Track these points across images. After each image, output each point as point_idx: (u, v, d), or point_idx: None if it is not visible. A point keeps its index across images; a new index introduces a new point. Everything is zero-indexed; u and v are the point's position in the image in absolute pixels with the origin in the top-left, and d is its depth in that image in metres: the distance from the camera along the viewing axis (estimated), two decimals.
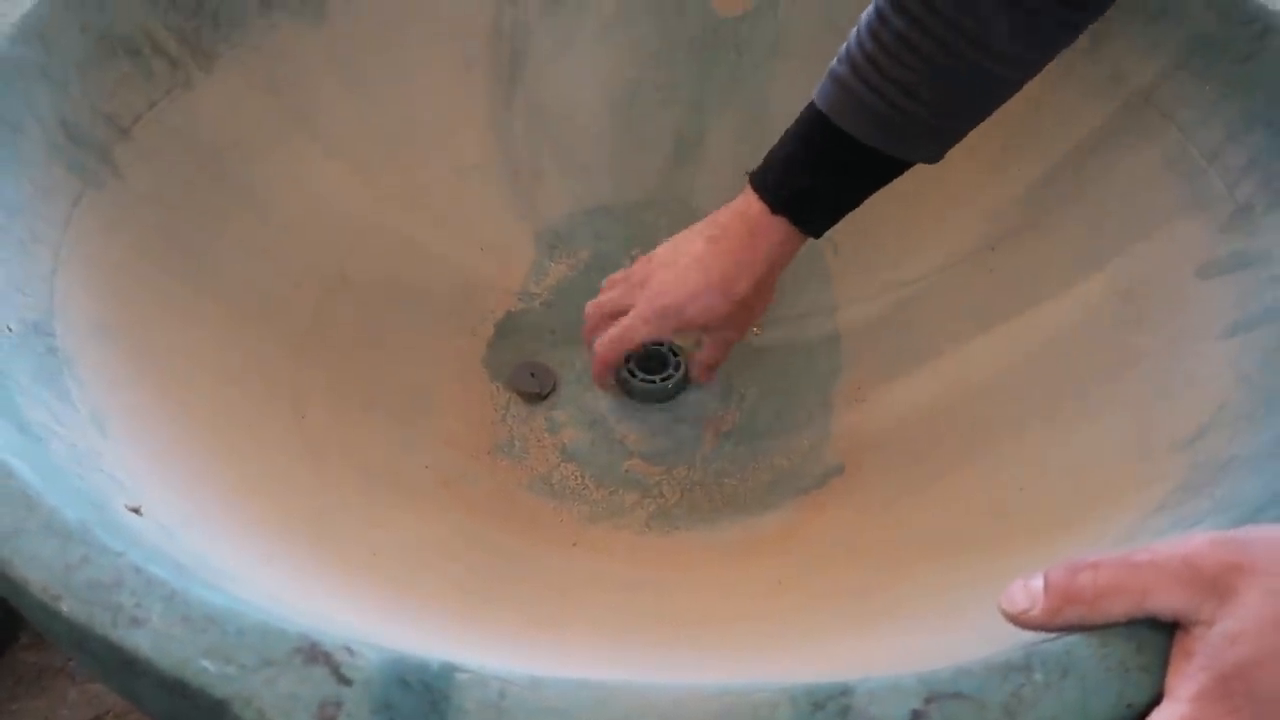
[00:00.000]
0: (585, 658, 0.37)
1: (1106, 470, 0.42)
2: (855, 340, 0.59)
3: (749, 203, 0.50)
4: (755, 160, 0.64)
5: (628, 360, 0.57)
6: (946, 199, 0.58)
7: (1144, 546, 0.26)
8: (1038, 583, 0.27)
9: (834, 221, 0.50)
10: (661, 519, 0.52)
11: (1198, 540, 0.25)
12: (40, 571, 0.26)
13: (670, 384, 0.57)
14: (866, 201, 0.50)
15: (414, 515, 0.47)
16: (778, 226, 0.49)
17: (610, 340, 0.52)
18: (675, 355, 0.58)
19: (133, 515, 0.31)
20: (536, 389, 0.57)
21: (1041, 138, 0.55)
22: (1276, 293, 0.41)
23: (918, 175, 0.49)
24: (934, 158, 0.48)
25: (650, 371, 0.57)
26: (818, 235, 0.51)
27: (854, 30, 0.46)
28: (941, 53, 0.43)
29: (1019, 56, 0.44)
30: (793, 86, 0.63)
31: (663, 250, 0.53)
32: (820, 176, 0.48)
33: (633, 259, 0.63)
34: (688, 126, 0.64)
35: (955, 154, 0.49)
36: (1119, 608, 0.25)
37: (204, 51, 0.52)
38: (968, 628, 0.35)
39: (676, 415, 0.57)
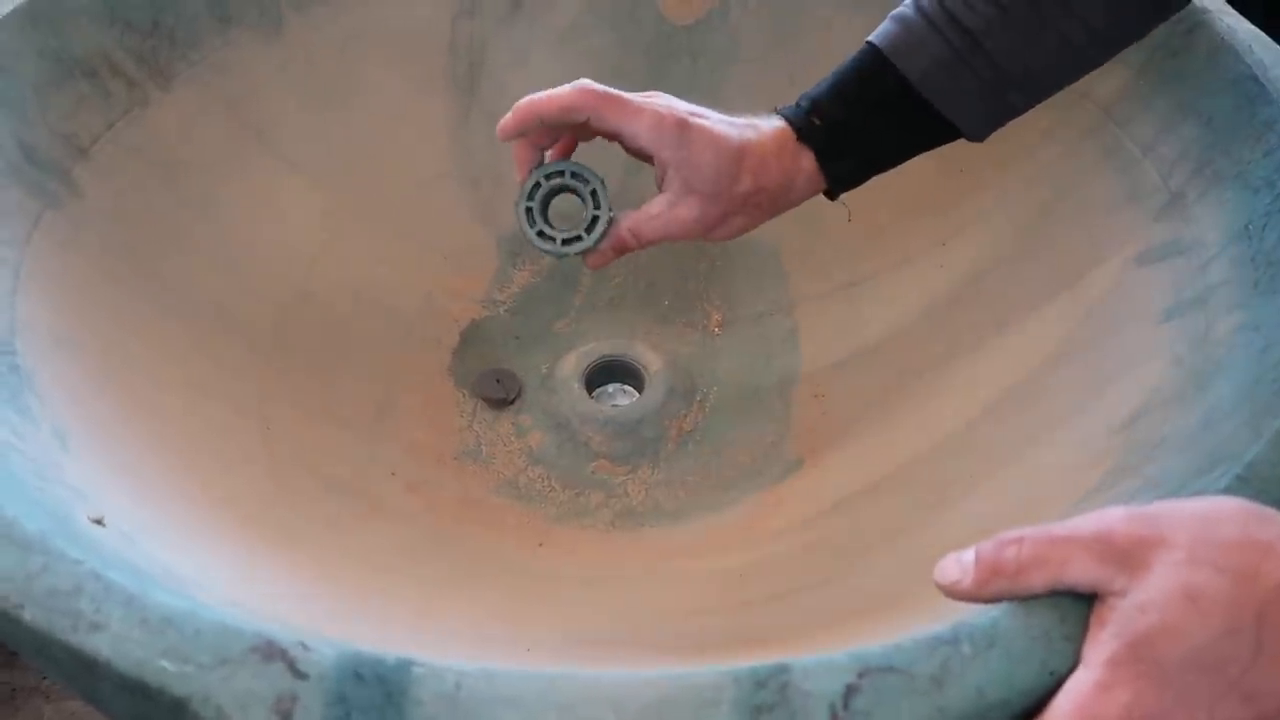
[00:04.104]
0: (547, 653, 0.38)
1: (1050, 456, 0.43)
2: (812, 338, 0.60)
3: (771, 120, 0.43)
4: None
5: (545, 207, 0.45)
6: (899, 199, 0.59)
7: (1065, 521, 0.27)
8: (969, 556, 0.28)
9: (855, 174, 0.44)
10: (626, 518, 0.53)
11: (1113, 515, 0.27)
12: (1, 582, 0.27)
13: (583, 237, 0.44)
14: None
15: (380, 522, 0.48)
16: (794, 153, 0.43)
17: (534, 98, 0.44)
18: (595, 202, 0.45)
19: (94, 526, 0.32)
20: (502, 395, 0.58)
21: (993, 141, 0.56)
22: (1208, 278, 0.43)
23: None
24: (978, 129, 0.43)
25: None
26: (835, 184, 0.44)
27: None
28: (1027, 10, 0.40)
29: (1101, 29, 0.41)
30: (747, 92, 0.64)
31: None
32: (854, 113, 0.42)
33: None
34: None
35: None
36: (1039, 580, 0.26)
37: (161, 71, 0.53)
38: (916, 612, 0.36)
39: (641, 417, 0.58)
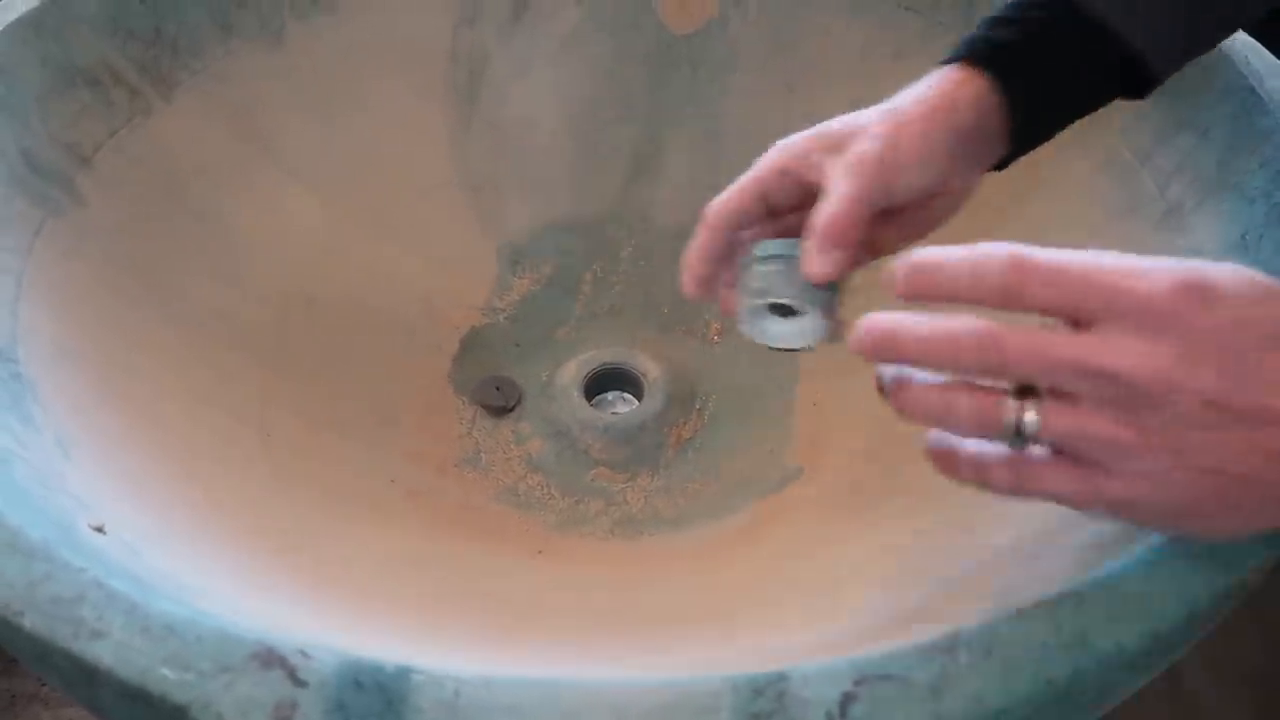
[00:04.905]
0: (546, 660, 0.38)
1: None
2: None
3: (936, 71, 0.37)
4: (712, 172, 0.65)
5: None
6: None
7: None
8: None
9: (1040, 124, 0.39)
10: (625, 525, 0.53)
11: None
12: (3, 589, 0.27)
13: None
14: None
15: (380, 529, 0.48)
16: (977, 84, 0.36)
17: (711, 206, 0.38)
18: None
19: (96, 534, 0.32)
20: (502, 402, 0.58)
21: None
22: None
23: None
24: (1153, 73, 0.38)
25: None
26: (1019, 138, 0.38)
27: None
28: None
29: None
30: (746, 101, 0.65)
31: None
32: (1025, 34, 0.36)
33: (594, 272, 0.65)
34: (644, 142, 0.65)
35: None
36: None
37: (164, 80, 0.53)
38: (916, 620, 0.36)
39: (640, 424, 0.58)
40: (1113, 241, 0.49)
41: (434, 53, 0.63)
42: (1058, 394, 0.26)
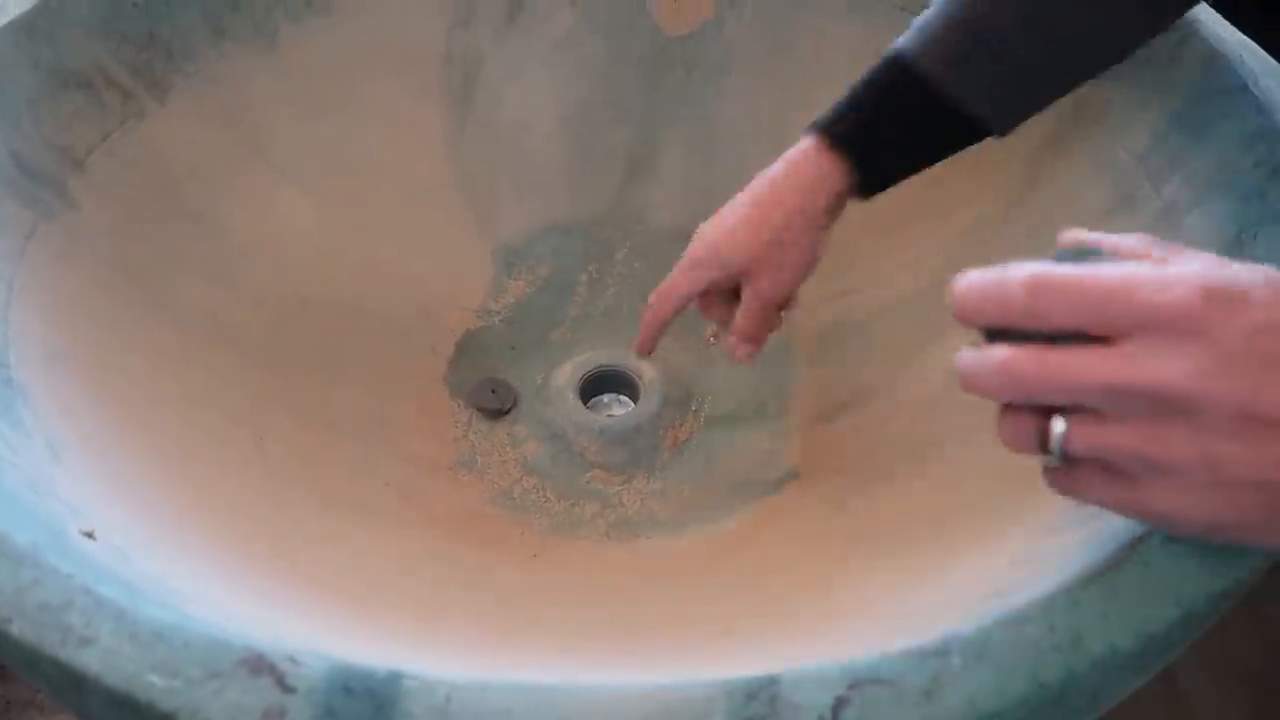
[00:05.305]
0: (540, 664, 0.37)
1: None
2: (809, 348, 0.60)
3: (798, 145, 0.47)
4: (706, 173, 0.65)
5: None
6: (896, 209, 0.59)
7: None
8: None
9: (890, 172, 0.46)
10: (621, 528, 0.53)
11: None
12: None
13: None
14: None
15: (374, 533, 0.48)
16: (823, 162, 0.46)
17: (655, 295, 0.50)
18: None
19: (86, 539, 0.32)
20: (497, 405, 0.58)
21: (984, 152, 0.57)
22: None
23: None
24: (1003, 122, 0.45)
25: None
26: (871, 184, 0.46)
27: None
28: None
29: (1108, 23, 0.42)
30: (740, 103, 0.64)
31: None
32: (881, 114, 0.45)
33: (589, 274, 0.65)
34: (639, 144, 0.65)
35: None
36: None
37: (157, 82, 0.53)
38: (911, 624, 0.36)
39: (636, 427, 0.58)
40: None
41: (428, 55, 0.63)
42: (1083, 410, 0.27)
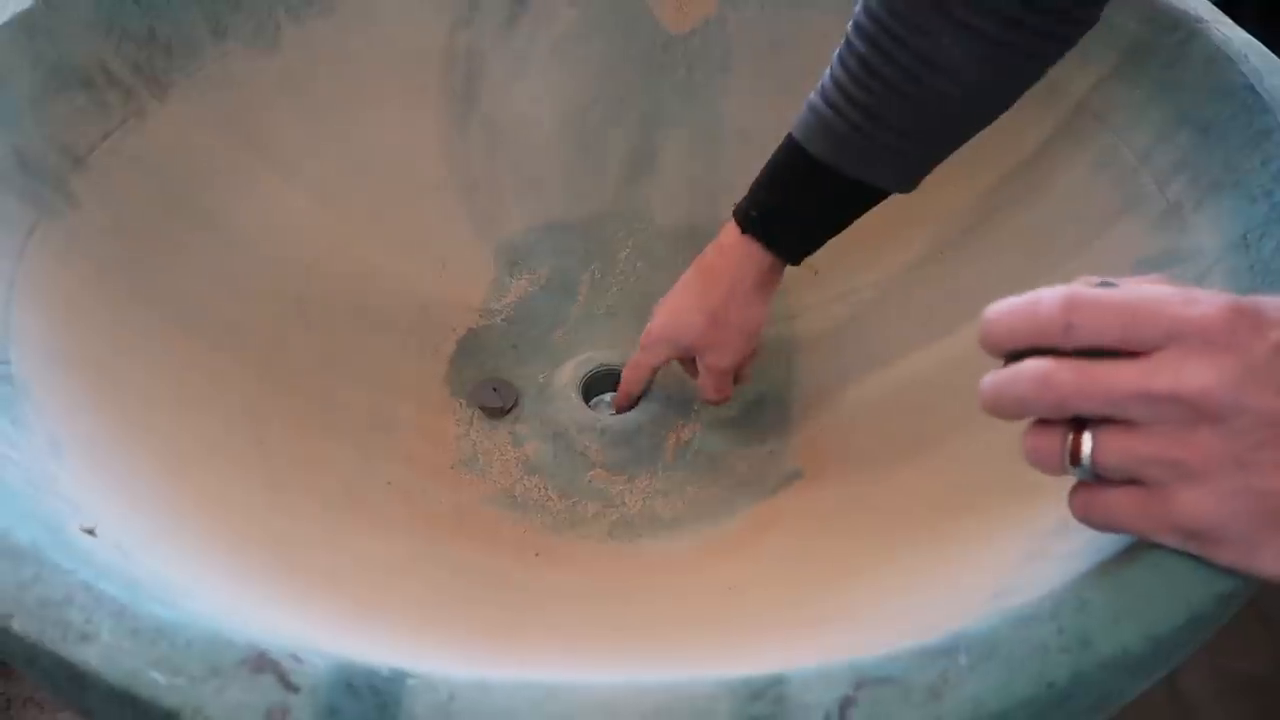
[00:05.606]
0: (542, 664, 0.37)
1: None
2: (811, 348, 0.60)
3: (725, 230, 0.52)
4: (709, 171, 0.65)
5: None
6: (897, 210, 0.59)
7: None
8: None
9: (807, 245, 0.52)
10: (623, 528, 0.53)
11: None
12: None
13: None
14: None
15: (375, 533, 0.48)
16: (743, 245, 0.51)
17: (626, 369, 0.57)
18: None
19: (87, 536, 0.32)
20: (499, 404, 0.58)
21: (989, 151, 0.57)
22: (1205, 287, 0.43)
23: None
24: (904, 185, 0.49)
25: None
26: (792, 259, 0.52)
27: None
28: (899, 76, 0.44)
29: (977, 83, 0.44)
30: (742, 102, 0.64)
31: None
32: (788, 198, 0.50)
33: (592, 274, 0.64)
34: (641, 142, 0.65)
35: None
36: None
37: (158, 81, 0.53)
38: (915, 624, 0.36)
39: (638, 427, 0.57)
40: (1112, 242, 0.49)
41: (430, 54, 0.62)
42: (1112, 421, 0.27)
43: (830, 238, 0.52)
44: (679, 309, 0.54)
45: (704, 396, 0.56)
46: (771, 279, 0.53)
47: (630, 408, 0.57)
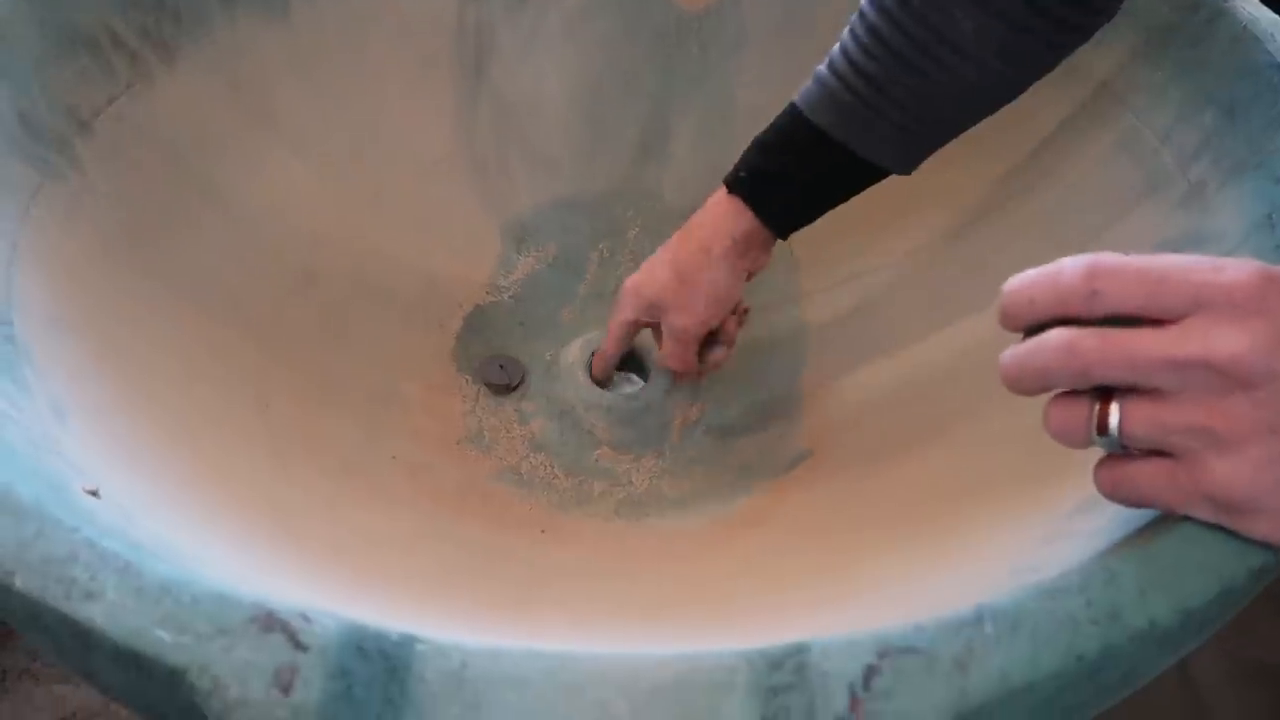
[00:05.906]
0: (548, 638, 0.37)
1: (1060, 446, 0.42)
2: (821, 328, 0.59)
3: (715, 192, 0.51)
4: (720, 152, 0.64)
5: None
6: (911, 191, 0.58)
7: None
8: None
9: (791, 215, 0.50)
10: (630, 507, 0.52)
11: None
12: None
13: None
14: None
15: (380, 506, 0.47)
16: (726, 204, 0.50)
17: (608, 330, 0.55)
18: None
19: (90, 497, 0.31)
20: (505, 381, 0.57)
21: (1005, 133, 0.56)
22: None
23: None
24: (903, 165, 0.48)
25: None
26: (775, 226, 0.50)
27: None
28: (909, 47, 0.43)
29: (988, 63, 0.43)
30: (756, 80, 0.63)
31: None
32: (781, 164, 0.48)
33: (600, 252, 0.64)
34: (652, 120, 0.64)
35: None
36: None
37: (165, 47, 0.52)
38: (929, 604, 0.35)
39: (646, 405, 0.57)
40: (1133, 222, 0.48)
41: (440, 27, 0.62)
42: (1139, 391, 0.26)
43: (818, 214, 0.50)
44: (651, 263, 0.53)
45: (663, 362, 0.54)
46: (749, 248, 0.50)
47: (607, 374, 0.56)
